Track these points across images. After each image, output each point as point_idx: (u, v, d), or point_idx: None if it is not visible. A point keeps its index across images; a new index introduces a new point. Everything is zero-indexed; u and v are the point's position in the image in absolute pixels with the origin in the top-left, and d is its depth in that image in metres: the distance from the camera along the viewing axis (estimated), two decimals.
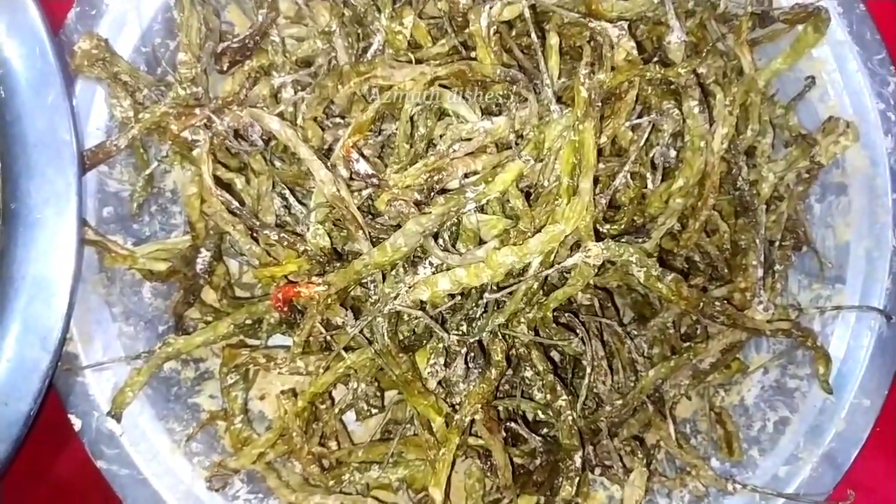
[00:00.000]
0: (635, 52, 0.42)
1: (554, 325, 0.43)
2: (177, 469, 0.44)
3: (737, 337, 0.45)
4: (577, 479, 0.42)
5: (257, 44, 0.44)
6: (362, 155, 0.41)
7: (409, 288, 0.39)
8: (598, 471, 0.45)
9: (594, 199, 0.40)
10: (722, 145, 0.43)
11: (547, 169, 0.41)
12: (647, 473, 0.43)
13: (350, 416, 0.46)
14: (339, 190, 0.39)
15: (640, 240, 0.44)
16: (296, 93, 0.44)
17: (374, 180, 0.40)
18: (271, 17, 0.44)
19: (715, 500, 0.45)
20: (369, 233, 0.40)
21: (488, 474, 0.43)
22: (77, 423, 0.43)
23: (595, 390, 0.43)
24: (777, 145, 0.48)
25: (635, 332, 0.46)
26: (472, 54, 0.43)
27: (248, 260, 0.45)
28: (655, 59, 0.43)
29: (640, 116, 0.43)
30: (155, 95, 0.44)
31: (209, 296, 0.47)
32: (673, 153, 0.44)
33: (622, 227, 0.44)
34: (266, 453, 0.44)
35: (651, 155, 0.44)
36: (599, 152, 0.43)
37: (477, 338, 0.41)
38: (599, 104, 0.40)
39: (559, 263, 0.40)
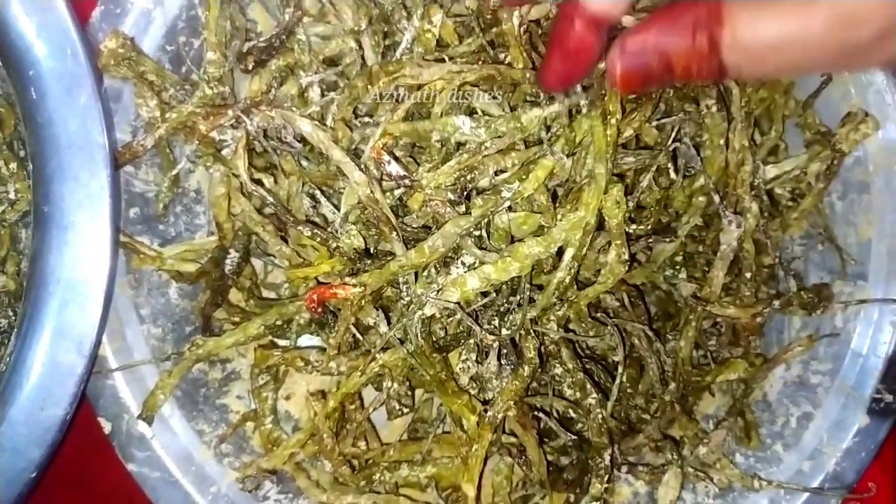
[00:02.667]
0: None
1: (589, 319, 0.43)
2: (207, 470, 0.44)
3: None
4: (607, 476, 0.42)
5: (283, 43, 0.44)
6: (393, 156, 0.41)
7: (439, 291, 0.39)
8: (624, 468, 0.45)
9: (623, 199, 0.40)
10: (742, 142, 0.43)
11: (579, 164, 0.41)
12: (681, 475, 0.43)
13: (376, 416, 0.46)
14: (372, 192, 0.39)
15: (668, 239, 0.44)
16: (322, 92, 0.44)
17: (407, 181, 0.40)
18: (297, 15, 0.44)
19: (740, 495, 0.46)
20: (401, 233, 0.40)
21: (523, 469, 0.43)
22: (107, 427, 0.42)
23: (629, 390, 0.44)
24: (798, 145, 0.48)
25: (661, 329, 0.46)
26: (500, 52, 0.43)
27: (278, 261, 0.45)
28: None
29: (663, 117, 0.44)
30: (181, 95, 0.43)
31: (234, 296, 0.47)
32: (695, 153, 0.44)
33: (649, 227, 0.44)
34: (296, 453, 0.44)
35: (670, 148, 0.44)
36: (625, 146, 0.43)
37: (511, 334, 0.41)
38: (604, 93, 0.40)
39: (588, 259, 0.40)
